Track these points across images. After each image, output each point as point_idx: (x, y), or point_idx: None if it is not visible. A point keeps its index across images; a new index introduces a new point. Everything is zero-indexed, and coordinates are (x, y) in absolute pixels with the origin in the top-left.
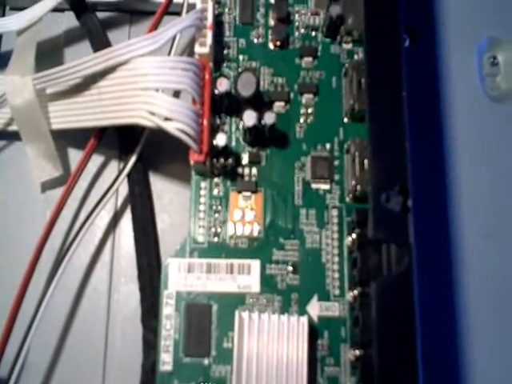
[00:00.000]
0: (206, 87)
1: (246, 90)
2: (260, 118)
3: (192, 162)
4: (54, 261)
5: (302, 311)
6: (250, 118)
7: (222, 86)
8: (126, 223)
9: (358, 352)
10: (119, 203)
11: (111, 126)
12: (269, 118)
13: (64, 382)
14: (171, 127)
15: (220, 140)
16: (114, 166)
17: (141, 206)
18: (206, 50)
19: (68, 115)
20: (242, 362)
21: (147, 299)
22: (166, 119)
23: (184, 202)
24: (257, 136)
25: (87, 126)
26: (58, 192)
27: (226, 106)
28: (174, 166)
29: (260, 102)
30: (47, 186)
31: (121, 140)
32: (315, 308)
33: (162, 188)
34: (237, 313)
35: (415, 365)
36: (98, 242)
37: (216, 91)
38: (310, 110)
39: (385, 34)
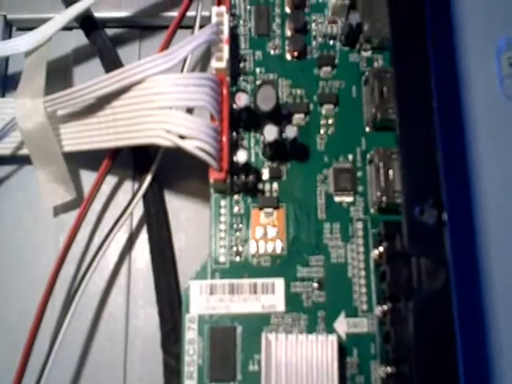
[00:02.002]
0: (224, 103)
1: (265, 104)
2: (281, 132)
3: (212, 181)
4: (69, 287)
5: (330, 329)
6: (271, 132)
7: (241, 100)
8: (142, 245)
9: (389, 369)
10: (134, 224)
11: (126, 146)
12: (290, 132)
13: None
14: (191, 146)
15: (241, 156)
16: (128, 187)
17: (157, 225)
18: (223, 64)
19: (81, 137)
20: None
21: (167, 323)
22: (182, 137)
23: (201, 220)
24: (277, 150)
25: (101, 147)
26: (71, 216)
27: (244, 121)
28: (190, 183)
29: (279, 114)
30: (59, 210)
31: (135, 160)
32: (343, 325)
33: (177, 207)
34: (263, 335)
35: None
36: (114, 266)
37: (234, 106)
38: (330, 121)
39: (411, 41)
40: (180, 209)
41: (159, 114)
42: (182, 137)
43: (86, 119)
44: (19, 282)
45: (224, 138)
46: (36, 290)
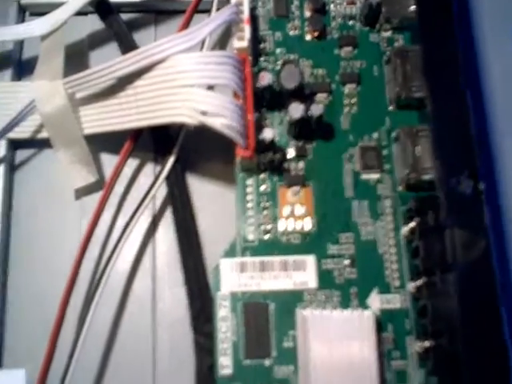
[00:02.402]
0: (247, 81)
1: (289, 82)
2: (306, 110)
3: (239, 159)
4: (93, 272)
5: (363, 305)
6: (296, 110)
7: (264, 79)
8: (165, 227)
9: (427, 343)
10: (157, 207)
11: (149, 126)
12: (316, 110)
13: None
14: (217, 123)
15: (267, 133)
16: (149, 169)
17: (182, 207)
18: (244, 43)
19: (102, 118)
20: (308, 361)
21: (196, 301)
22: (206, 115)
23: (223, 201)
24: (302, 128)
25: (123, 128)
26: (92, 199)
27: (267, 101)
28: (212, 165)
29: (302, 94)
30: (81, 192)
31: (156, 142)
32: (376, 301)
33: (200, 188)
34: (298, 311)
35: (505, 353)
36: (138, 249)
37: (257, 85)
38: (353, 100)
39: (437, 18)
40: (202, 190)
41: (182, 93)
42: (205, 114)
43: (107, 100)
44: (42, 266)
45: (249, 116)
46: (60, 275)
